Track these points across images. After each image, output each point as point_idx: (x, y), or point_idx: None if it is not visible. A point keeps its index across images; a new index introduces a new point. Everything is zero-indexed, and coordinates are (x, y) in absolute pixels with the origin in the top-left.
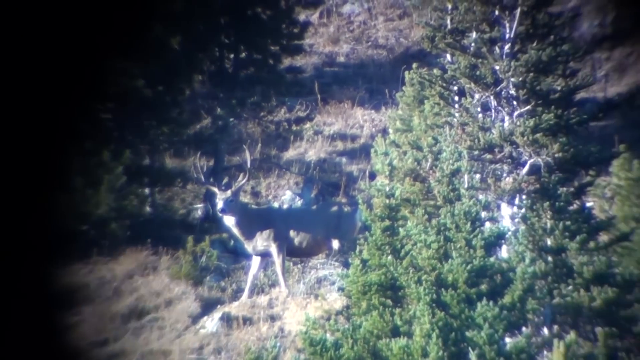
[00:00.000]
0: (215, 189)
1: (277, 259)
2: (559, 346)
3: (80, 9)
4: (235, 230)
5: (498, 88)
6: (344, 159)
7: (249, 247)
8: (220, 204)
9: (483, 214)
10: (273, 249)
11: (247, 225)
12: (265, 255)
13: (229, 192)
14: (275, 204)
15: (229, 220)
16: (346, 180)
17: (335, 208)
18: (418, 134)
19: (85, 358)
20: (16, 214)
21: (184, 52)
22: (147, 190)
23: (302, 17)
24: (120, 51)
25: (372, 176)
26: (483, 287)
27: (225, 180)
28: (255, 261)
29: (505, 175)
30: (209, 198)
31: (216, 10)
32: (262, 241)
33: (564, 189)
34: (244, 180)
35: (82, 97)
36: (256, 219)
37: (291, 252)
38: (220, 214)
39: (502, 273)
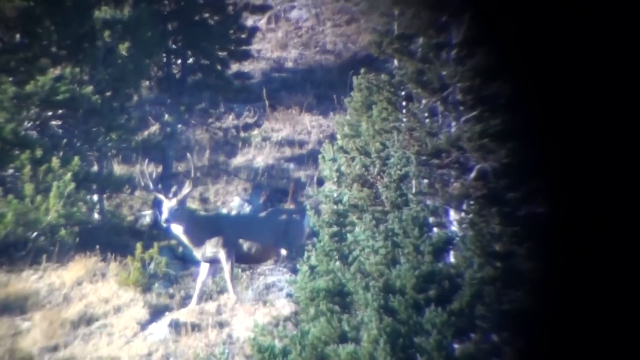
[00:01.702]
0: (162, 197)
1: (225, 265)
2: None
3: (28, 13)
4: (184, 238)
5: (445, 93)
6: (292, 165)
7: (197, 253)
8: (165, 214)
9: (431, 220)
10: (222, 255)
11: (195, 232)
12: (214, 261)
13: (174, 201)
14: (224, 210)
15: (177, 229)
16: (294, 186)
17: (283, 214)
18: (366, 140)
19: None
20: None
21: (132, 58)
22: (95, 197)
23: (249, 22)
24: (69, 57)
25: (320, 182)
26: (431, 292)
27: (174, 188)
28: (204, 268)
29: (453, 180)
30: (157, 205)
31: (163, 15)
32: (211, 248)
33: (512, 194)
34: (189, 189)
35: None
36: (205, 225)
37: (240, 259)
38: (165, 224)
39: (450, 279)
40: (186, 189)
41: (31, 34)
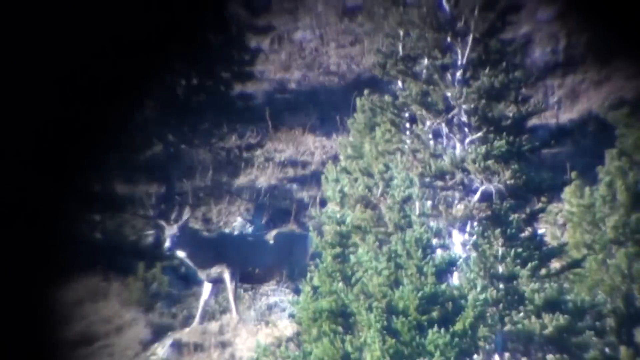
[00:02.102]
0: (164, 224)
1: (229, 285)
2: None
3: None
4: (188, 261)
5: (449, 115)
6: (294, 186)
7: (202, 274)
8: (167, 242)
9: (434, 241)
10: (226, 275)
11: (199, 254)
12: (217, 281)
13: (175, 228)
14: (227, 231)
15: (180, 253)
16: (297, 207)
17: (287, 234)
18: (369, 161)
19: None
20: None
21: (136, 77)
22: (97, 217)
23: (253, 43)
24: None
25: (323, 203)
26: (434, 314)
27: (175, 213)
28: (207, 287)
29: (456, 202)
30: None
31: (167, 36)
32: (216, 269)
33: (516, 215)
34: (189, 214)
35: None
36: (208, 247)
37: (243, 279)
38: (168, 252)
39: (453, 300)
40: (186, 214)
41: None
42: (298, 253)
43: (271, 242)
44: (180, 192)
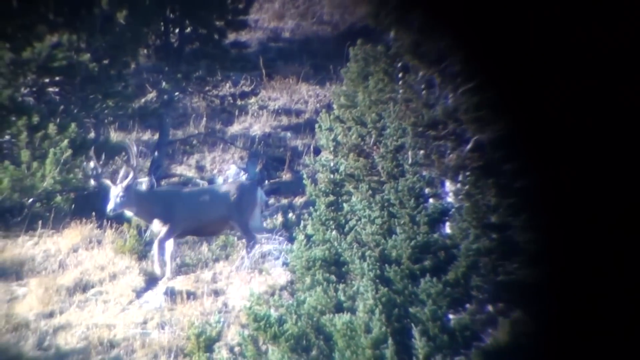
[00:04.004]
0: (110, 184)
1: (156, 240)
2: (503, 324)
3: None
4: (137, 218)
5: (442, 65)
6: (288, 134)
7: (154, 230)
8: (111, 203)
9: (427, 190)
10: (163, 231)
11: (146, 211)
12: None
13: (119, 188)
14: (220, 179)
15: (128, 212)
16: (291, 154)
17: (235, 185)
18: (362, 110)
19: (32, 329)
20: None
21: (130, 26)
22: (92, 164)
23: None
24: (67, 24)
25: (317, 151)
26: (427, 263)
27: (122, 172)
28: (169, 243)
29: (449, 152)
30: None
31: None
32: (159, 224)
33: (508, 166)
34: (132, 175)
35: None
36: (156, 203)
37: (194, 232)
38: (112, 213)
39: (446, 249)
40: (130, 176)
41: (28, 0)
42: (245, 203)
43: (218, 193)
44: (174, 139)
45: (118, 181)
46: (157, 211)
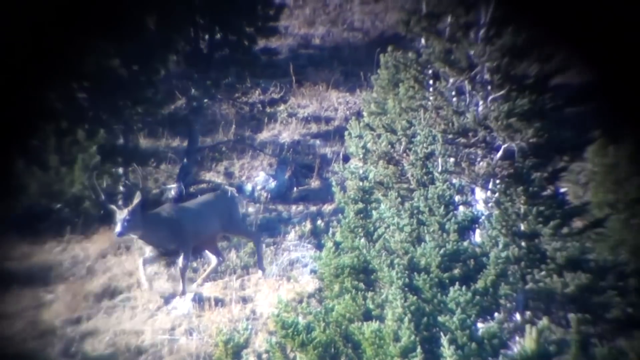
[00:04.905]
0: (115, 208)
1: (181, 264)
2: (531, 332)
3: None
4: (141, 242)
5: (472, 72)
6: (318, 141)
7: (156, 251)
8: (118, 227)
9: (457, 198)
10: (181, 258)
11: (152, 234)
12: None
13: (125, 212)
14: (249, 186)
15: (134, 235)
16: (320, 162)
17: (219, 197)
18: (392, 117)
19: (59, 335)
20: None
21: (159, 32)
22: (120, 170)
23: None
24: (96, 30)
25: (346, 158)
26: (456, 271)
27: (136, 199)
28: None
29: (479, 159)
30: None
31: None
32: (172, 246)
33: (538, 174)
34: (139, 199)
35: (57, 75)
36: (162, 225)
37: (194, 249)
38: (119, 237)
39: (475, 258)
40: (136, 199)
41: None
42: (235, 214)
43: (214, 208)
44: (203, 146)
45: (123, 205)
46: (162, 233)
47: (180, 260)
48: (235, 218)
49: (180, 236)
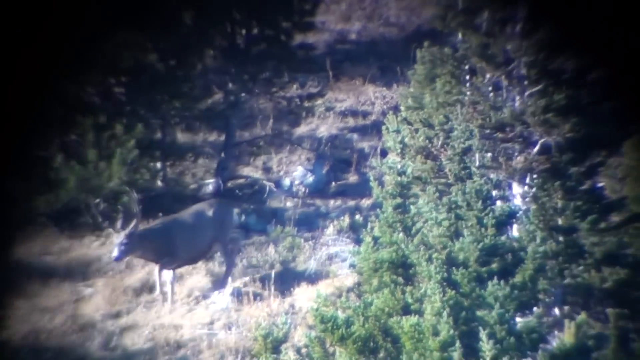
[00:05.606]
0: (111, 231)
1: (164, 274)
2: (569, 326)
3: None
4: (142, 259)
5: (509, 67)
6: (355, 136)
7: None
8: (114, 252)
9: (494, 193)
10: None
11: (150, 252)
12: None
13: (122, 235)
14: (287, 180)
15: (133, 255)
16: (357, 156)
17: (216, 206)
18: (429, 112)
19: (98, 329)
20: (28, 184)
21: (197, 26)
22: (158, 164)
23: None
24: (133, 25)
25: (384, 153)
26: (494, 266)
27: (121, 221)
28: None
29: (516, 154)
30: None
31: None
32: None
33: (575, 168)
34: (135, 222)
35: (95, 70)
36: (158, 242)
37: (192, 260)
38: (116, 261)
39: (513, 252)
40: (132, 223)
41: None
42: (229, 224)
43: (209, 218)
44: (240, 141)
45: (120, 228)
46: (161, 250)
47: (162, 274)
48: (225, 229)
49: (173, 250)
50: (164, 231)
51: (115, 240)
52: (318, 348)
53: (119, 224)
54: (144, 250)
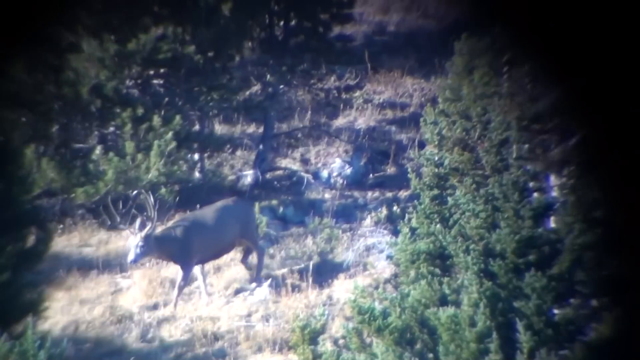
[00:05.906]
0: (128, 232)
1: (180, 276)
2: (607, 318)
3: None
4: (160, 259)
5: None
6: (393, 128)
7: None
8: (131, 255)
9: (531, 184)
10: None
11: (167, 253)
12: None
13: (138, 237)
14: (325, 172)
15: (151, 257)
16: (395, 148)
17: (238, 202)
18: (467, 104)
19: (136, 321)
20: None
21: (235, 18)
22: (196, 156)
23: None
24: (171, 16)
25: (422, 145)
26: (531, 257)
27: (139, 222)
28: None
29: (553, 145)
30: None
31: None
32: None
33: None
34: (152, 225)
35: (133, 62)
36: (174, 242)
37: (211, 257)
38: (133, 264)
39: (550, 244)
40: (149, 225)
41: None
42: (254, 221)
43: (232, 214)
44: (278, 132)
45: (137, 230)
46: (176, 249)
47: (179, 276)
48: (251, 226)
49: (189, 250)
50: (181, 233)
51: (131, 242)
52: (355, 339)
53: (137, 225)
54: (161, 252)
